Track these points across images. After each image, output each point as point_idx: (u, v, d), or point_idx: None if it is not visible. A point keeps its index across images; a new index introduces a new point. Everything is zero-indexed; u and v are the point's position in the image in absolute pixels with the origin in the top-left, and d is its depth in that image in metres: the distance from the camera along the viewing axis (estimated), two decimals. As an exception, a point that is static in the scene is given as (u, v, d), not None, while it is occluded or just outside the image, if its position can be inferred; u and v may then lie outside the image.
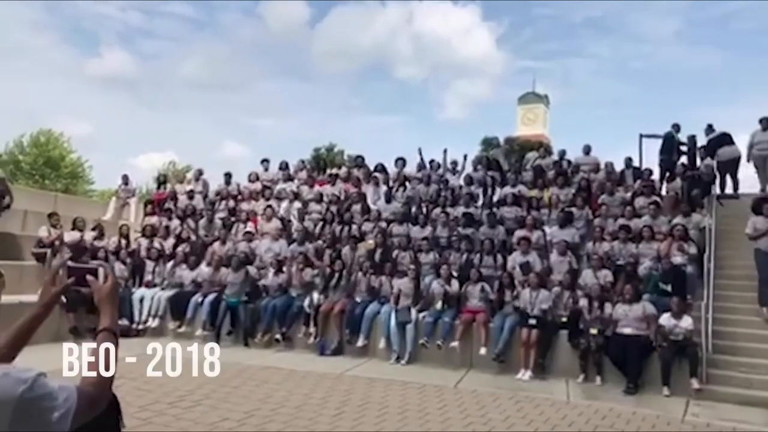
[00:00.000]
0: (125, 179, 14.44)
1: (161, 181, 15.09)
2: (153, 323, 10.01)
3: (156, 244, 11.23)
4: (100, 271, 1.71)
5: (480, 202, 11.80)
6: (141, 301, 10.14)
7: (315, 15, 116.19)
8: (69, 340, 8.89)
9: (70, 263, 1.68)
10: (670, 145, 12.39)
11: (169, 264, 10.77)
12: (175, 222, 12.25)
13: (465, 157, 13.80)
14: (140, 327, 9.99)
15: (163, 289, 10.43)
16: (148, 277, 10.65)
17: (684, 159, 12.46)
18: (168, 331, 9.96)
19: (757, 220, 8.60)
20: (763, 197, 8.24)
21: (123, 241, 11.40)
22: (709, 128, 12.32)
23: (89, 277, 1.69)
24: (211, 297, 9.83)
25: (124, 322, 9.79)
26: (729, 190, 12.07)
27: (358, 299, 9.39)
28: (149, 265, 10.80)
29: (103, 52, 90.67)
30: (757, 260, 8.48)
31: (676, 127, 12.66)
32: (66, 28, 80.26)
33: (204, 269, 10.49)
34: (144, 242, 11.46)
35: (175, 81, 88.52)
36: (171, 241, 11.57)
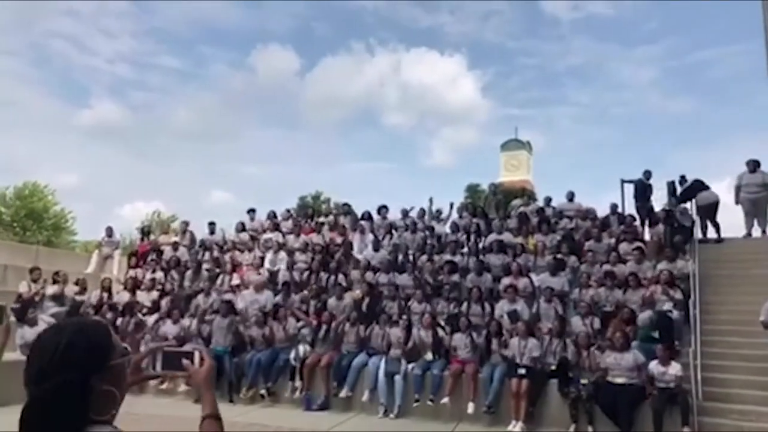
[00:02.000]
0: (109, 231, 14.30)
1: (145, 232, 14.96)
2: (134, 379, 9.72)
3: (138, 298, 11.04)
4: (196, 354, 1.66)
5: (465, 250, 11.84)
6: (122, 356, 9.87)
7: (305, 65, 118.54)
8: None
9: (166, 348, 1.63)
10: (642, 191, 12.60)
11: (152, 317, 10.56)
12: (159, 274, 12.09)
13: (451, 205, 13.92)
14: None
15: (145, 344, 10.16)
16: (129, 333, 10.37)
17: (660, 204, 12.63)
18: (150, 387, 9.67)
19: None
20: None
21: (105, 295, 11.21)
22: (683, 179, 12.57)
23: (185, 361, 1.64)
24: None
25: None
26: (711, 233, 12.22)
27: (345, 350, 9.24)
28: (129, 319, 10.54)
29: (92, 103, 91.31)
30: None
31: (647, 174, 12.89)
32: (54, 81, 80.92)
33: (187, 321, 10.30)
34: (126, 295, 11.27)
35: (164, 131, 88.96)
36: (154, 293, 11.38)
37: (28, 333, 8.91)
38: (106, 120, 77.84)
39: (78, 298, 10.57)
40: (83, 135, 78.45)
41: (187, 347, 1.70)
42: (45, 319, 9.18)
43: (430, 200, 13.61)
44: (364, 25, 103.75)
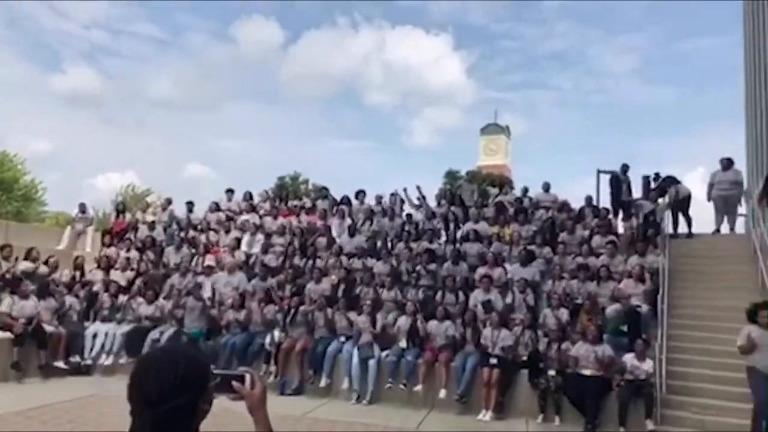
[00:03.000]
0: (82, 207, 14.03)
1: (120, 209, 14.72)
2: (106, 360, 9.65)
3: (112, 277, 10.93)
4: (247, 377, 1.67)
5: (443, 238, 11.93)
6: (94, 336, 9.78)
7: (288, 37, 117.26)
8: (11, 377, 8.56)
9: (215, 370, 1.61)
10: (617, 185, 12.79)
11: (125, 297, 10.45)
12: (134, 253, 11.95)
13: (418, 188, 13.66)
14: (89, 363, 9.59)
15: (118, 323, 10.09)
16: (104, 312, 10.28)
17: (632, 196, 12.79)
18: (121, 368, 9.61)
19: (751, 329, 6.85)
20: (760, 303, 7.04)
21: (77, 274, 11.06)
22: (656, 176, 12.79)
23: (235, 384, 1.64)
24: (170, 332, 9.58)
25: (77, 359, 9.46)
26: (682, 228, 12.47)
27: (317, 336, 9.29)
28: (105, 298, 10.46)
29: (65, 68, 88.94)
30: (750, 380, 6.81)
31: (624, 168, 13.06)
32: (25, 44, 78.59)
33: (162, 302, 10.24)
34: (99, 274, 11.14)
35: (140, 100, 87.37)
36: (129, 273, 11.26)
37: (22, 305, 9.12)
38: (80, 86, 76.17)
39: (50, 275, 10.39)
40: (56, 101, 76.77)
41: (240, 370, 1.72)
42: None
43: (405, 190, 13.52)
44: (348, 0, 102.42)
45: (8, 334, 8.55)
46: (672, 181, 12.46)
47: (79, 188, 69.05)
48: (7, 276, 9.69)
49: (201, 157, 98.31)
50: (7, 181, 34.84)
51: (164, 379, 1.36)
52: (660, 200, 12.24)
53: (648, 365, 7.69)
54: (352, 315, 9.28)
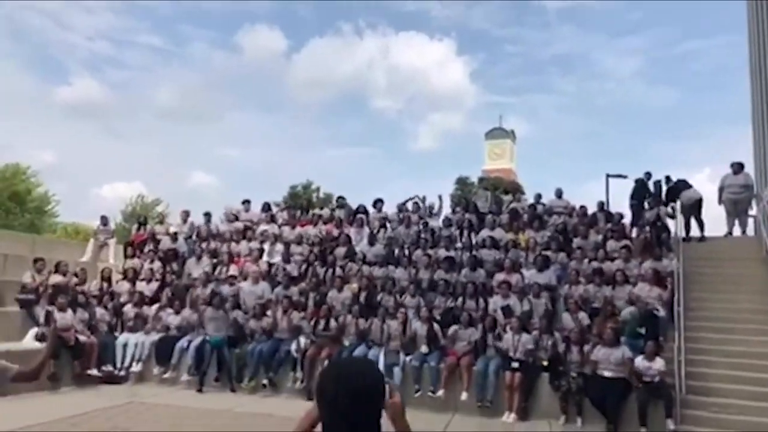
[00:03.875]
0: (104, 220, 14.36)
1: (141, 221, 15.08)
2: (136, 368, 9.95)
3: (138, 288, 11.23)
4: (387, 387, 1.68)
5: (459, 245, 12.17)
6: (124, 346, 10.08)
7: (292, 46, 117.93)
8: (47, 387, 8.82)
9: None
10: (641, 191, 13.00)
11: (154, 308, 10.75)
12: (157, 264, 12.24)
13: (440, 198, 14.16)
14: (122, 373, 9.90)
15: (147, 333, 10.39)
16: (130, 323, 10.58)
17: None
18: (152, 376, 9.91)
19: None
20: None
21: (104, 285, 11.36)
22: (667, 179, 13.00)
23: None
24: (196, 341, 9.85)
25: (109, 368, 9.74)
26: (694, 232, 12.66)
27: (346, 342, 9.55)
28: (131, 309, 10.75)
29: (70, 80, 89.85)
30: None
31: (648, 175, 13.28)
32: (30, 56, 79.42)
33: (188, 312, 10.51)
34: (126, 285, 11.44)
35: (144, 110, 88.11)
36: (154, 284, 11.55)
37: (60, 317, 9.41)
38: (85, 97, 76.90)
39: (78, 287, 10.69)
40: (60, 112, 77.48)
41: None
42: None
43: (423, 198, 13.84)
44: (352, 7, 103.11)
45: (44, 345, 8.83)
46: (683, 185, 12.67)
47: (86, 198, 69.72)
48: (41, 289, 9.99)
49: (206, 166, 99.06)
50: (21, 194, 35.31)
51: (358, 396, 1.52)
52: (672, 204, 12.44)
53: (659, 364, 7.91)
54: (386, 323, 9.48)
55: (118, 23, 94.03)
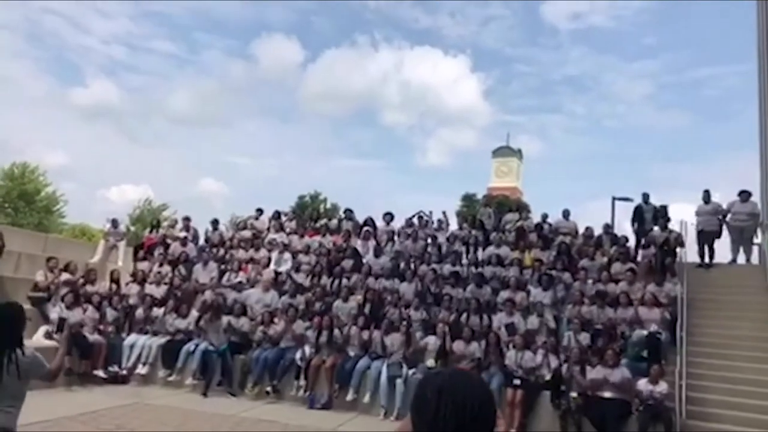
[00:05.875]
0: (115, 223, 14.54)
1: (153, 225, 15.31)
2: (142, 370, 10.07)
3: (147, 291, 11.38)
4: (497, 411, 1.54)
5: (464, 260, 12.30)
6: (131, 347, 10.21)
7: (308, 56, 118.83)
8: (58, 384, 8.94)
9: None
10: (640, 214, 13.13)
11: (161, 311, 10.88)
12: (167, 268, 12.41)
13: (444, 214, 14.28)
14: (125, 373, 10.00)
15: (154, 335, 10.52)
16: (139, 324, 10.72)
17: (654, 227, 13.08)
18: (157, 379, 10.02)
19: None
20: None
21: (114, 286, 11.52)
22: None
23: None
24: (203, 346, 9.97)
25: (115, 368, 9.87)
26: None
27: (351, 353, 9.66)
28: (140, 311, 10.90)
29: (86, 82, 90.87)
30: None
31: (645, 197, 13.41)
32: (46, 58, 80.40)
33: (194, 316, 10.63)
34: (135, 288, 11.59)
35: (157, 115, 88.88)
36: (162, 287, 11.71)
37: (70, 314, 9.59)
38: (99, 101, 77.63)
39: (89, 288, 10.85)
40: (74, 114, 78.20)
41: None
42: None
43: (430, 213, 14.03)
44: (368, 21, 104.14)
45: (55, 343, 8.98)
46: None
47: (93, 200, 70.08)
48: (52, 287, 10.16)
49: (215, 173, 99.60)
50: (30, 193, 35.64)
51: (479, 404, 1.31)
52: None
53: (662, 387, 7.99)
54: (388, 336, 9.60)
55: (134, 29, 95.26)
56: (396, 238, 13.39)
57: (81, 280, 11.05)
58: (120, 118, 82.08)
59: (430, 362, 9.17)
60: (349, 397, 9.17)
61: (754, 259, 12.71)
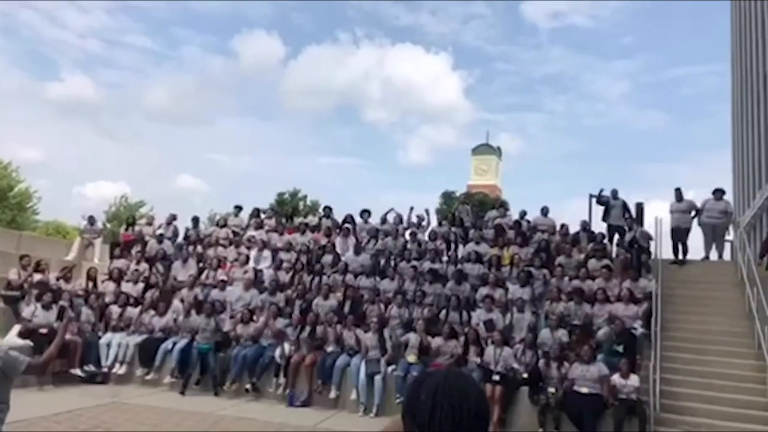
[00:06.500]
0: (91, 220, 14.34)
1: (130, 222, 15.08)
2: (120, 370, 9.95)
3: (123, 289, 11.24)
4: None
5: (444, 258, 12.36)
6: (108, 346, 10.08)
7: (290, 53, 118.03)
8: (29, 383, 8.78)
9: None
10: (606, 209, 13.34)
11: (137, 309, 10.76)
12: (144, 266, 12.26)
13: (427, 211, 14.35)
14: (105, 371, 9.88)
15: (131, 334, 10.39)
16: (113, 323, 10.57)
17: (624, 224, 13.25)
18: (135, 377, 9.92)
19: None
20: None
21: (90, 284, 11.35)
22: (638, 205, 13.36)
23: None
24: (181, 344, 9.88)
25: (91, 367, 9.74)
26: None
27: (328, 350, 9.65)
28: (115, 309, 10.76)
29: (61, 77, 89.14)
30: None
31: (614, 193, 13.59)
32: (19, 52, 78.70)
33: (173, 314, 10.54)
34: (111, 286, 11.44)
35: (134, 111, 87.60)
36: (140, 285, 11.57)
37: (44, 314, 9.53)
38: (75, 96, 76.39)
39: (63, 286, 10.68)
40: (49, 109, 76.64)
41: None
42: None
43: (411, 209, 14.03)
44: (349, 17, 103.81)
45: (29, 342, 8.83)
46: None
47: (68, 196, 68.92)
48: (25, 286, 9.98)
49: (193, 169, 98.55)
50: (2, 189, 34.88)
51: (476, 406, 1.29)
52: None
53: (633, 380, 8.15)
54: (360, 332, 9.62)
55: (111, 23, 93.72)
56: (378, 235, 13.37)
57: (54, 278, 10.88)
58: (96, 113, 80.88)
59: (412, 357, 9.19)
60: (333, 394, 9.17)
61: (726, 255, 12.99)
